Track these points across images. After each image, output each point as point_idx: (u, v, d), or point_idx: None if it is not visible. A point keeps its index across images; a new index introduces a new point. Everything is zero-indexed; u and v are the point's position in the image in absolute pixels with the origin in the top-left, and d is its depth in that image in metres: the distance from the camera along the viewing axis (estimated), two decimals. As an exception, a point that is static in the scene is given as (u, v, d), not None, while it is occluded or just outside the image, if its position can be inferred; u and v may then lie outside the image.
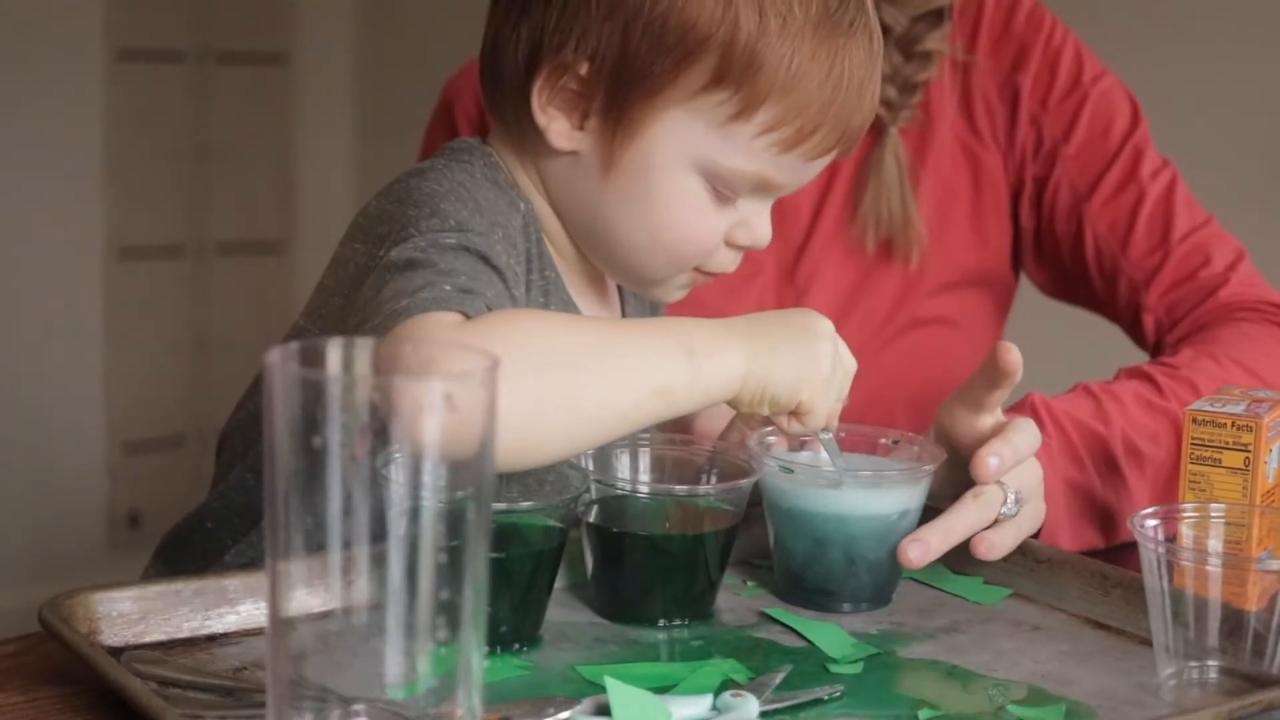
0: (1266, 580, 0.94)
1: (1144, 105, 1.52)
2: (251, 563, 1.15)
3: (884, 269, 1.51)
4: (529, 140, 1.15)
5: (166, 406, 3.30)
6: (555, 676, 0.95)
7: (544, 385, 0.94)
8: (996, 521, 1.08)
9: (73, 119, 3.10)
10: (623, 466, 1.10)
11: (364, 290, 1.02)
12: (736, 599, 1.09)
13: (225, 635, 0.97)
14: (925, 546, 1.06)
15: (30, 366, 3.08)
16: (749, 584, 1.12)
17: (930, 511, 1.09)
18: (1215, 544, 0.99)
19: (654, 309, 1.28)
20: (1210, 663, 0.94)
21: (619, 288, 1.25)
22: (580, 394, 0.95)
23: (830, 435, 1.08)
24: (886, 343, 1.51)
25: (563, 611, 1.04)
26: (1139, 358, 1.44)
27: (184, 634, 0.97)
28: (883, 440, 1.13)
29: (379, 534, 0.69)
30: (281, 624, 0.71)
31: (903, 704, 0.92)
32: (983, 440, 1.09)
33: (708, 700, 0.89)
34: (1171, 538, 0.97)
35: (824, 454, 1.10)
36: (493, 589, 0.75)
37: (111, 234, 3.17)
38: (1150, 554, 0.94)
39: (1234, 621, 0.93)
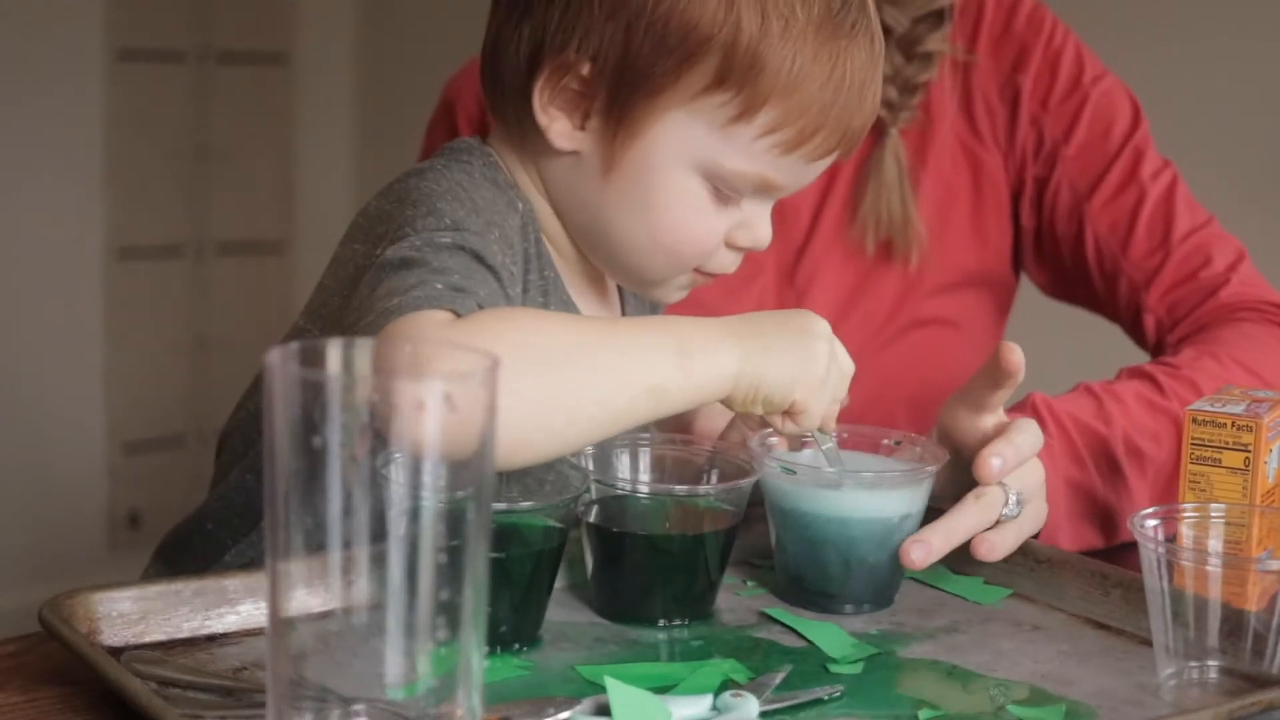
0: (1266, 580, 0.94)
1: (1144, 105, 1.52)
2: (251, 563, 1.15)
3: (884, 270, 1.51)
4: (530, 140, 1.15)
5: (166, 406, 3.30)
6: (555, 676, 0.95)
7: (534, 383, 0.94)
8: (998, 522, 1.08)
9: (73, 119, 3.10)
10: (623, 466, 1.10)
11: (360, 289, 1.02)
12: (736, 599, 1.09)
13: (225, 635, 0.97)
14: (928, 547, 1.06)
15: (30, 366, 3.08)
16: (749, 584, 1.12)
17: (932, 512, 1.09)
18: (1215, 544, 0.99)
19: (654, 309, 1.28)
20: (1210, 663, 0.94)
21: (619, 288, 1.25)
22: (571, 392, 0.95)
23: (827, 436, 1.08)
24: (886, 343, 1.51)
25: (563, 611, 1.04)
26: (1139, 358, 1.44)
27: (184, 634, 0.97)
28: (885, 441, 1.13)
29: (379, 534, 0.69)
30: (281, 624, 0.71)
31: (903, 704, 0.92)
32: (985, 440, 1.09)
33: (708, 700, 0.89)
34: (1171, 538, 0.97)
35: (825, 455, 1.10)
36: (493, 589, 0.75)
37: (111, 234, 3.17)
38: (1150, 554, 0.94)
39: (1234, 621, 0.93)
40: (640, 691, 0.86)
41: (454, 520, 0.70)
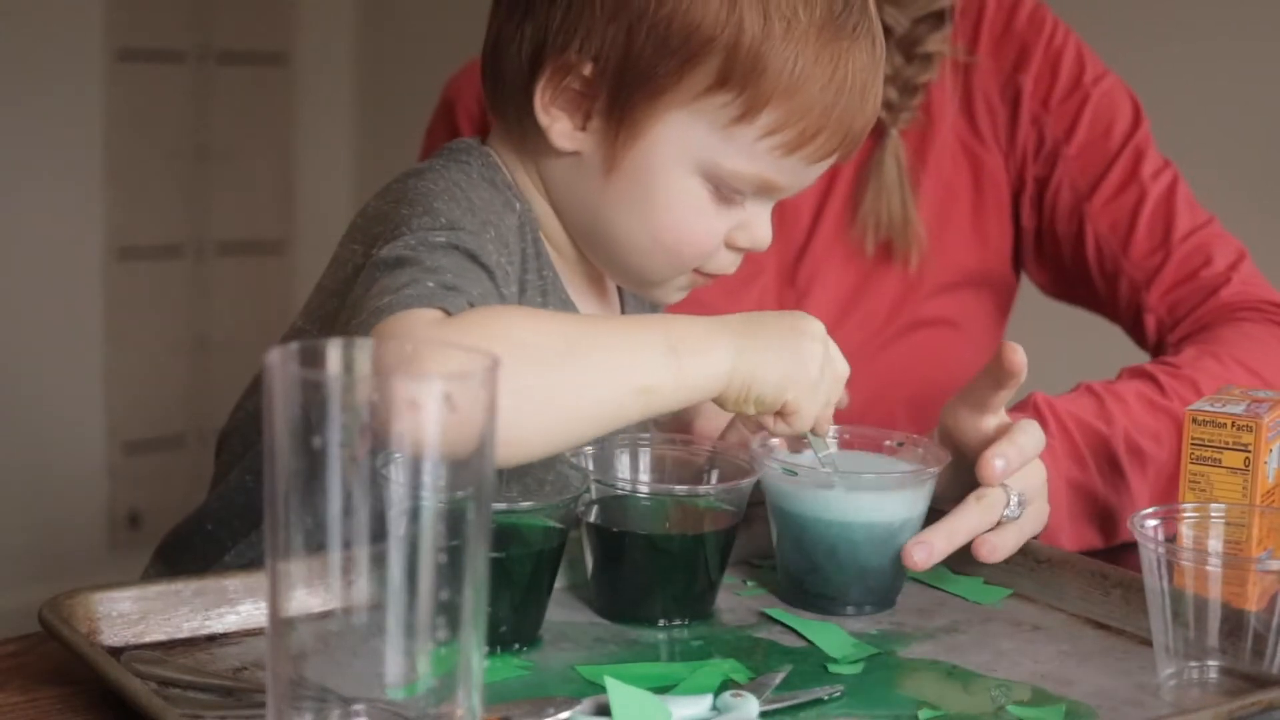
0: (1266, 580, 0.94)
1: (1145, 105, 1.52)
2: (251, 563, 1.15)
3: (884, 270, 1.51)
4: (530, 140, 1.15)
5: (166, 406, 3.30)
6: (555, 676, 0.95)
7: (524, 381, 0.93)
8: (999, 523, 1.08)
9: (73, 119, 3.10)
10: (623, 466, 1.10)
11: (355, 288, 1.02)
12: (736, 599, 1.09)
13: (225, 635, 0.97)
14: (930, 549, 1.05)
15: (30, 366, 3.08)
16: (749, 584, 1.12)
17: (933, 513, 1.08)
18: (1215, 544, 0.99)
19: (654, 309, 1.28)
20: (1210, 663, 0.94)
21: (619, 288, 1.25)
22: (561, 390, 0.95)
23: (819, 438, 1.08)
24: (887, 344, 1.51)
25: (563, 611, 1.04)
26: (1140, 358, 1.44)
27: (184, 634, 0.97)
28: (887, 442, 1.13)
29: (379, 534, 0.69)
30: (281, 624, 0.71)
31: (903, 704, 0.92)
32: (987, 441, 1.09)
33: (708, 700, 0.89)
34: (1171, 538, 0.97)
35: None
36: (493, 589, 0.75)
37: (111, 234, 3.17)
38: (1150, 554, 0.94)
39: (1234, 621, 0.93)
40: (640, 691, 0.86)
41: (454, 520, 0.70)
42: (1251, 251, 1.49)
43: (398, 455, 0.69)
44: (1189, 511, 0.99)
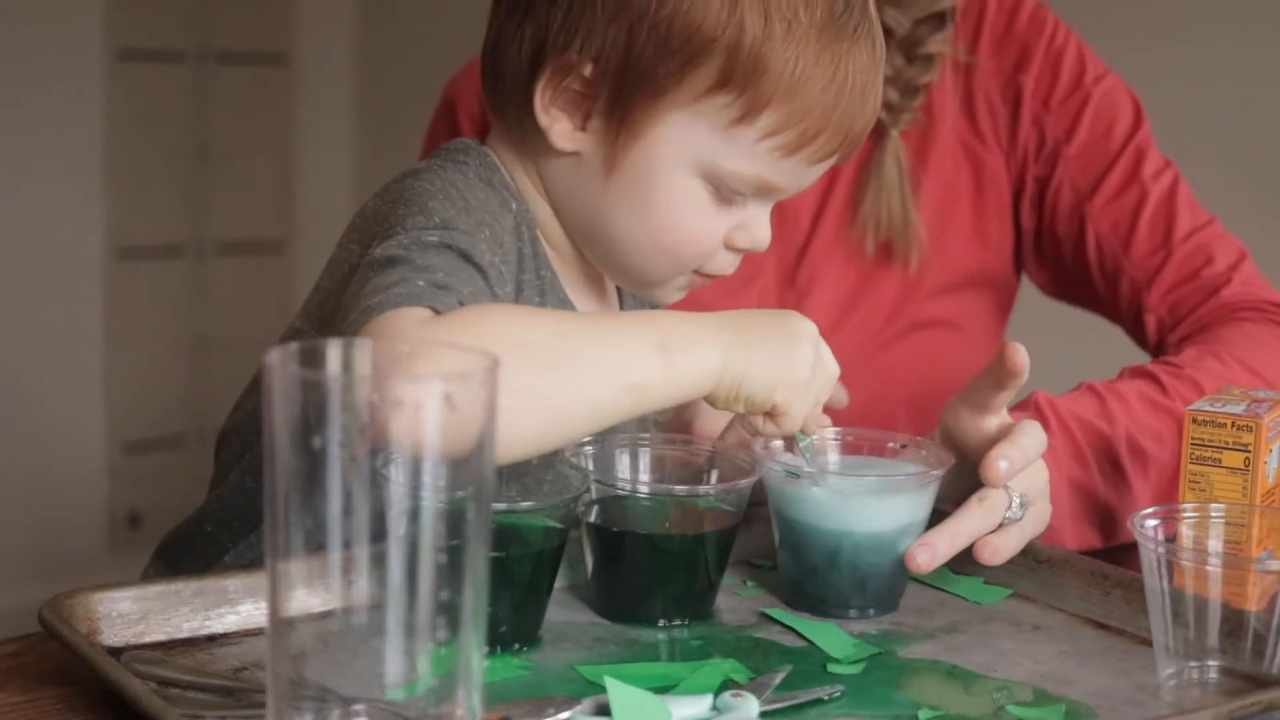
0: (1266, 580, 0.94)
1: (1146, 105, 1.52)
2: (251, 564, 1.15)
3: (884, 271, 1.51)
4: (530, 140, 1.14)
5: (166, 406, 3.30)
6: (555, 676, 0.95)
7: (513, 380, 0.92)
8: (1001, 525, 1.08)
9: (73, 119, 3.10)
10: (623, 466, 1.10)
11: (350, 287, 1.02)
12: (736, 599, 1.09)
13: (225, 635, 0.97)
14: (933, 551, 1.05)
15: (30, 366, 3.08)
16: (749, 584, 1.12)
17: (935, 514, 1.08)
18: (1215, 544, 0.99)
19: (652, 309, 1.28)
20: (1210, 663, 0.94)
21: (618, 288, 1.25)
22: (552, 388, 0.94)
23: (808, 439, 1.08)
24: (887, 344, 1.51)
25: (563, 611, 1.04)
26: (1140, 358, 1.44)
27: (184, 634, 0.97)
28: (890, 444, 1.13)
29: (379, 534, 0.69)
30: (281, 624, 0.71)
31: (903, 704, 0.92)
32: (989, 442, 1.09)
33: (708, 700, 0.89)
34: (1171, 538, 0.97)
35: (834, 458, 1.09)
36: (493, 589, 0.75)
37: (111, 234, 3.17)
38: (1150, 554, 0.94)
39: (1234, 621, 0.93)
40: (640, 691, 0.86)
41: (454, 520, 0.70)
42: (1252, 251, 1.49)
43: (397, 455, 0.69)
44: (1189, 511, 0.99)
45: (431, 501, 0.70)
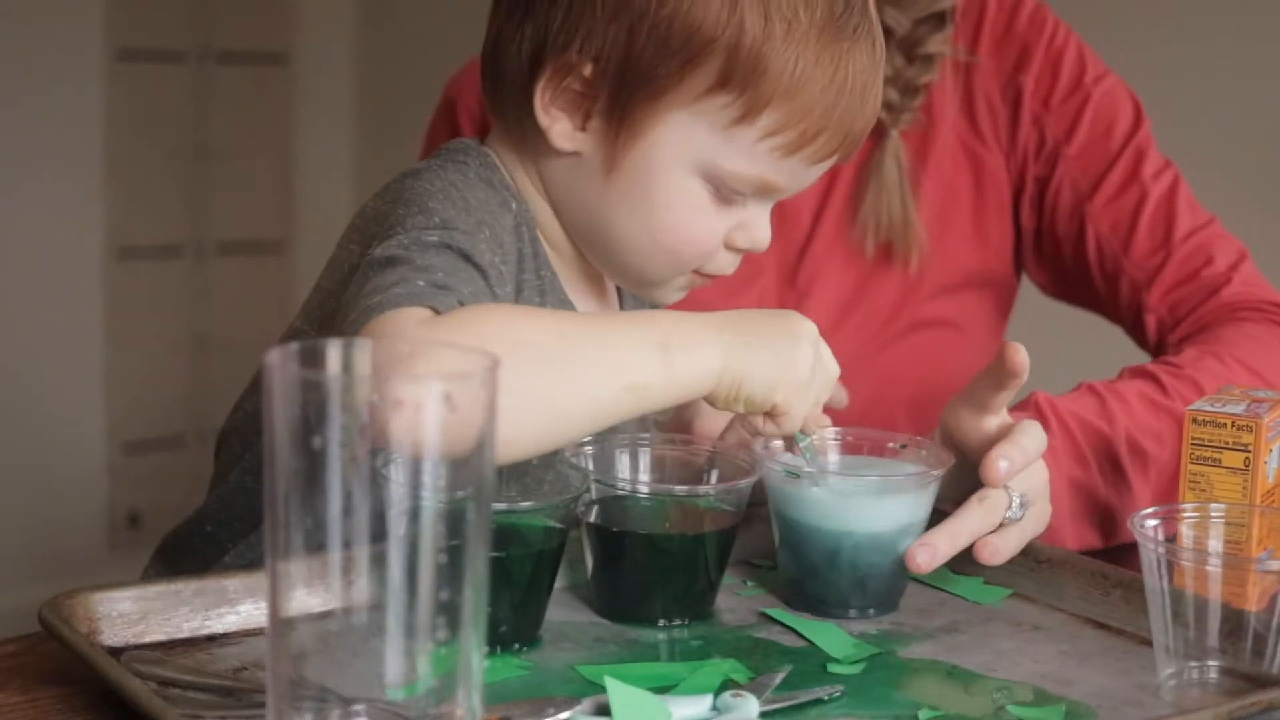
0: (1266, 580, 0.94)
1: (1146, 105, 1.52)
2: (251, 564, 1.15)
3: (884, 271, 1.51)
4: (530, 140, 1.14)
5: (166, 406, 3.30)
6: (555, 676, 0.95)
7: (513, 380, 0.92)
8: (1001, 525, 1.08)
9: (73, 119, 3.10)
10: (623, 466, 1.10)
11: (350, 288, 1.02)
12: (736, 599, 1.09)
13: (225, 635, 0.97)
14: (933, 551, 1.05)
15: (30, 366, 3.08)
16: (749, 584, 1.12)
17: (935, 514, 1.08)
18: (1215, 544, 0.99)
19: (652, 309, 1.28)
20: (1210, 663, 0.94)
21: (618, 287, 1.25)
22: (551, 389, 0.94)
23: (808, 439, 1.08)
24: (887, 344, 1.51)
25: (563, 611, 1.04)
26: (1140, 358, 1.44)
27: (184, 634, 0.97)
28: (891, 444, 1.13)
29: (379, 534, 0.69)
30: (281, 624, 0.71)
31: (903, 704, 0.92)
32: (989, 442, 1.09)
33: (708, 700, 0.89)
34: (1171, 538, 0.97)
35: (834, 458, 1.09)
36: (493, 589, 0.75)
37: (111, 234, 3.17)
38: (1150, 554, 0.94)
39: (1234, 621, 0.93)
40: (640, 691, 0.86)
41: (454, 520, 0.70)
42: (1252, 251, 1.49)
43: (397, 455, 0.69)
44: (1189, 511, 0.99)
45: (431, 501, 0.70)
